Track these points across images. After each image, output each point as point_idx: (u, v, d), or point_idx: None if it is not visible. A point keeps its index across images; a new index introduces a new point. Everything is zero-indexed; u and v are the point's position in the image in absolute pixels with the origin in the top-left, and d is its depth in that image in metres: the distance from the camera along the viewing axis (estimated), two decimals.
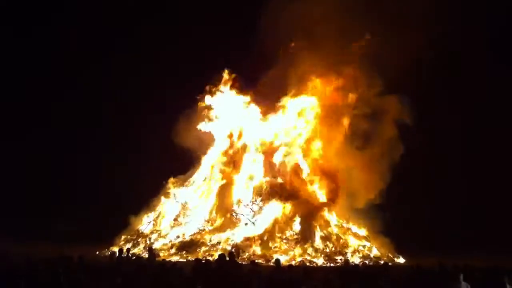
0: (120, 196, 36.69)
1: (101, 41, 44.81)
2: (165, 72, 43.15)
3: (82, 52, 44.66)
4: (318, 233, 30.34)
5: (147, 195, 34.40)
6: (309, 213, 30.84)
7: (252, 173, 33.51)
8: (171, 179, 34.43)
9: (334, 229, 31.49)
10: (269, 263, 26.60)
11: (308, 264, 27.62)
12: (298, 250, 29.27)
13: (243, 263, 22.19)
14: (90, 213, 37.20)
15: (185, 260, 27.77)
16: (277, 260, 15.31)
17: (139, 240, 32.09)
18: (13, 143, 41.16)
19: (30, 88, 44.24)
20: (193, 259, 19.68)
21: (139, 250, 30.57)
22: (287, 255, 28.69)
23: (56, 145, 42.59)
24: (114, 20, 42.60)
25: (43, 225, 35.10)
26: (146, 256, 21.86)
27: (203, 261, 15.34)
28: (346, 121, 33.36)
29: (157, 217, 33.35)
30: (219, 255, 15.35)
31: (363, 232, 32.46)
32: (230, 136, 35.27)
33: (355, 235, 31.95)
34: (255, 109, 35.00)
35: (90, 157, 42.39)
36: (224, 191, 32.69)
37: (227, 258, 15.03)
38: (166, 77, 42.70)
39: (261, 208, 31.71)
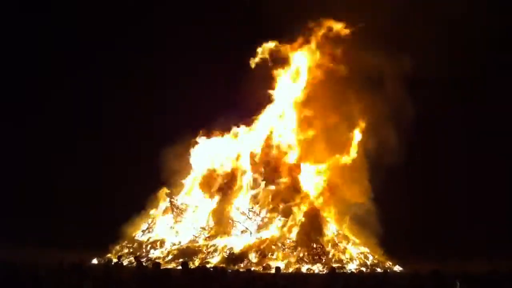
0: (116, 203, 36.55)
1: (99, 39, 44.38)
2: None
3: (80, 51, 44.30)
4: (315, 240, 30.38)
5: (143, 201, 34.27)
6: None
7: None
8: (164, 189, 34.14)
9: (330, 235, 31.49)
10: (266, 271, 26.62)
11: (304, 271, 27.66)
12: (294, 258, 29.28)
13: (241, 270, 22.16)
14: (86, 219, 37.08)
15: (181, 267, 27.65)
16: (277, 268, 15.56)
17: (134, 246, 32.03)
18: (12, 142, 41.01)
19: (29, 88, 44.09)
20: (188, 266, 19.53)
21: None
22: (284, 262, 28.67)
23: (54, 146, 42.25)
24: (115, 17, 42.30)
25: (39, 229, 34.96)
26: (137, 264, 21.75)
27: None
28: None
29: (153, 224, 33.26)
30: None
31: (359, 240, 32.46)
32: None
33: (352, 242, 31.96)
34: None
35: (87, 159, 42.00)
36: (221, 198, 32.73)
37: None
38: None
39: (258, 215, 31.71)
